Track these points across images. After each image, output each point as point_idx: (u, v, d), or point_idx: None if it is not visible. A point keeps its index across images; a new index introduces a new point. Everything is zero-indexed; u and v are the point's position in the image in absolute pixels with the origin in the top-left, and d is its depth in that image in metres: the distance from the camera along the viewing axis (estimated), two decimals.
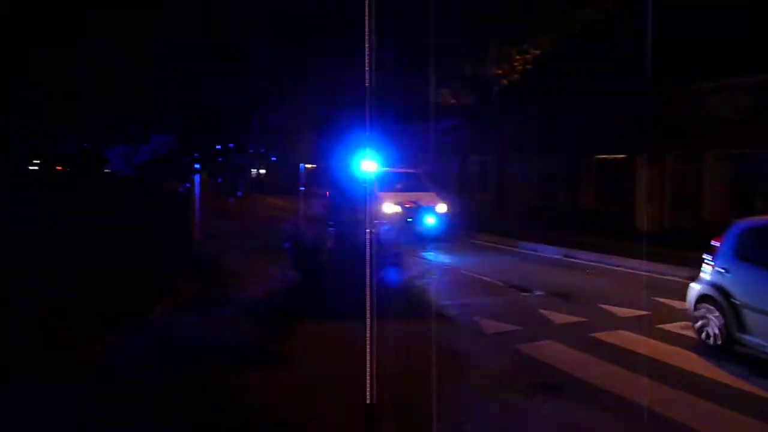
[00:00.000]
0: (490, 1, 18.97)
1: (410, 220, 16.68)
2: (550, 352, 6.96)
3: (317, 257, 9.26)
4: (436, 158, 25.49)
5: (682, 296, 9.86)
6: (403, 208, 16.75)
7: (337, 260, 9.16)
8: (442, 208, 17.33)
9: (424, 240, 16.30)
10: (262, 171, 51.55)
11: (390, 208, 16.64)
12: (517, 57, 20.85)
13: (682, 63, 17.10)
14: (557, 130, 22.00)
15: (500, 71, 21.20)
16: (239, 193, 18.28)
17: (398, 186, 17.91)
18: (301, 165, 19.91)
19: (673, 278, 11.37)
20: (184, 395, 5.47)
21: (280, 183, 36.11)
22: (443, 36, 12.71)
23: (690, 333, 7.69)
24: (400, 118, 21.31)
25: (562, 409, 5.30)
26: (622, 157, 20.30)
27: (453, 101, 22.12)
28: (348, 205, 15.11)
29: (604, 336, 7.62)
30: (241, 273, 10.74)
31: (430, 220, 16.87)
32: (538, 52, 21.00)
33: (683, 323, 8.15)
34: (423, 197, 17.44)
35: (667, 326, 8.10)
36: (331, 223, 15.82)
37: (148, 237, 11.67)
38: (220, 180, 16.81)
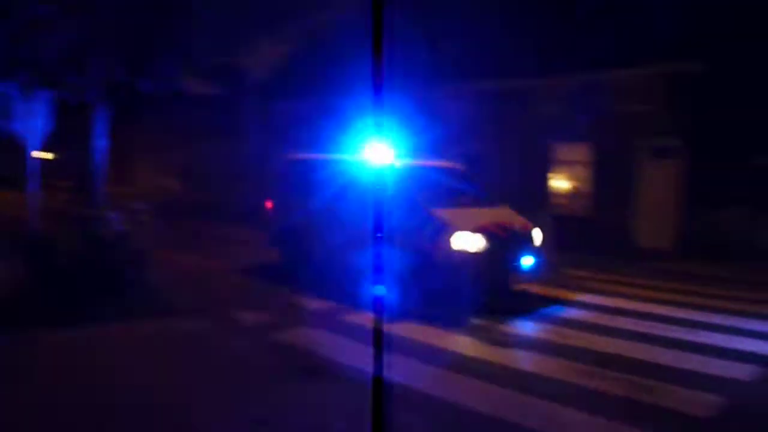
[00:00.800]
0: None
1: (504, 260, 9.07)
2: (307, 337, 7.17)
3: (54, 258, 8.38)
4: (186, 148, 24.62)
5: None
6: (491, 238, 8.94)
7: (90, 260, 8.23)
8: (538, 234, 9.80)
9: (527, 306, 9.19)
10: None
11: (468, 239, 8.76)
12: (270, 50, 21.01)
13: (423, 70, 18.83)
14: (314, 125, 22.71)
15: (253, 63, 21.17)
16: None
17: (448, 195, 10.09)
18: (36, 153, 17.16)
19: None
20: None
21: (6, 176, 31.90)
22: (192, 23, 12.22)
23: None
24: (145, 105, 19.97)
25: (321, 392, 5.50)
26: None
27: (203, 90, 21.53)
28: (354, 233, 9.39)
29: (353, 318, 8.08)
30: None
31: (528, 261, 9.34)
32: (289, 47, 21.37)
33: None
34: (507, 217, 9.80)
35: None
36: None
37: None
38: None
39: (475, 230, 8.88)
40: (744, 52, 13.93)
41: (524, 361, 6.61)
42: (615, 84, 16.22)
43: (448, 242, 8.76)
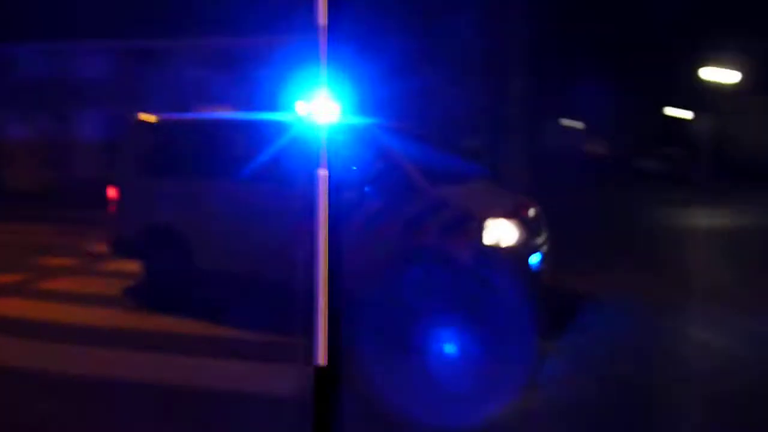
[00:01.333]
0: None
1: (533, 255, 6.49)
2: None
3: None
4: None
5: (63, 254, 10.23)
6: (524, 226, 6.43)
7: None
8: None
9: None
10: None
11: (504, 229, 6.18)
12: None
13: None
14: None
15: None
16: None
17: (444, 168, 7.02)
18: None
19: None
20: None
21: None
22: None
23: (74, 286, 8.09)
24: None
25: None
26: None
27: None
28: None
29: None
30: None
31: (548, 250, 7.14)
32: None
33: (68, 279, 8.53)
34: (516, 196, 7.62)
35: (50, 285, 8.22)
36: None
37: None
38: None
39: (507, 216, 6.31)
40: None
41: None
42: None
43: (479, 236, 6.09)
